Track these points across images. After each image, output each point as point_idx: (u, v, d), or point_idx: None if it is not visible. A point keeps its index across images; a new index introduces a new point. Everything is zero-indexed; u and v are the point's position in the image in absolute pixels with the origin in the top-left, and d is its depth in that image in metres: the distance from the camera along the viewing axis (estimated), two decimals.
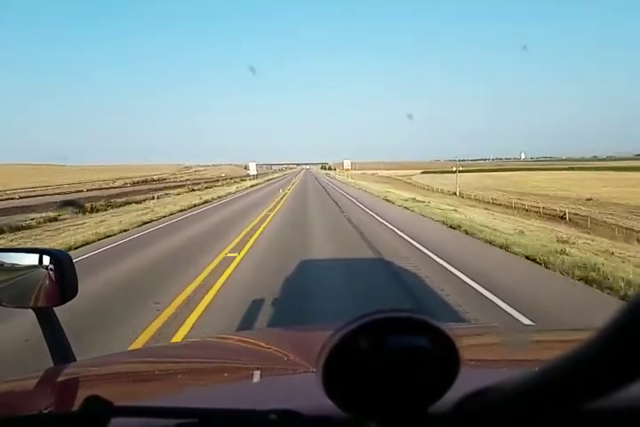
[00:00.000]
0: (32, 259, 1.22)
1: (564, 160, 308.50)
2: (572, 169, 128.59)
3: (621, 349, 0.32)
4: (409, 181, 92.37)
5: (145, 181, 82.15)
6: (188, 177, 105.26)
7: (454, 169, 62.66)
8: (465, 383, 0.45)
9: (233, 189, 39.84)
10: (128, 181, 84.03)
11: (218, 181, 61.19)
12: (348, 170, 72.27)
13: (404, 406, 0.45)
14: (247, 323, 4.67)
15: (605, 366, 0.33)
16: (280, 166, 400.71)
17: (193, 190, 39.94)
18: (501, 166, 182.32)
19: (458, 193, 56.06)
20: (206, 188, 44.72)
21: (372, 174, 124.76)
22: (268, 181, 66.22)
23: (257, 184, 51.75)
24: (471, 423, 0.47)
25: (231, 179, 71.80)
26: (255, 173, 68.31)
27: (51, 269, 1.19)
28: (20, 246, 10.47)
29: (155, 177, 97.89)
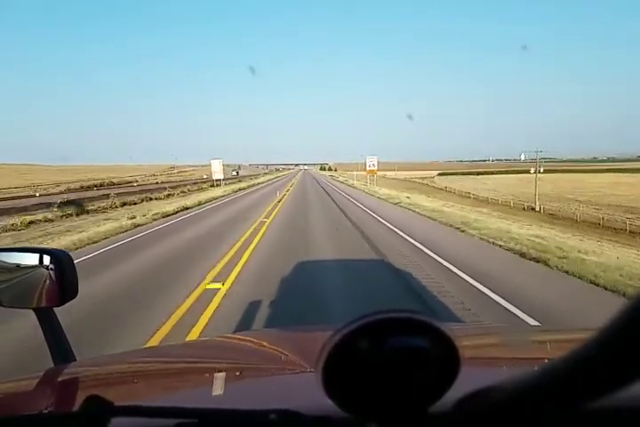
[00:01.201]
0: (32, 259, 1.21)
1: (564, 161, 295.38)
2: (625, 171, 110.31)
3: (622, 349, 0.32)
4: (440, 187, 72.53)
5: (101, 185, 65.28)
6: (166, 179, 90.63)
7: (532, 171, 43.05)
8: (465, 383, 0.45)
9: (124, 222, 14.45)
10: (76, 185, 67.75)
11: (165, 189, 36.87)
12: (373, 171, 43.29)
13: (404, 406, 0.45)
14: None
15: (606, 367, 0.33)
16: (276, 166, 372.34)
17: (67, 216, 18.64)
18: (519, 168, 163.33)
19: (540, 209, 36.43)
20: (122, 205, 23.86)
21: (384, 176, 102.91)
22: (238, 191, 37.25)
23: (199, 206, 22.45)
24: (471, 423, 0.47)
25: (194, 183, 52.53)
26: (222, 177, 42.77)
27: (51, 269, 1.18)
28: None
29: (114, 180, 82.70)
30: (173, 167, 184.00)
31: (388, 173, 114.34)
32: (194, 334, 4.49)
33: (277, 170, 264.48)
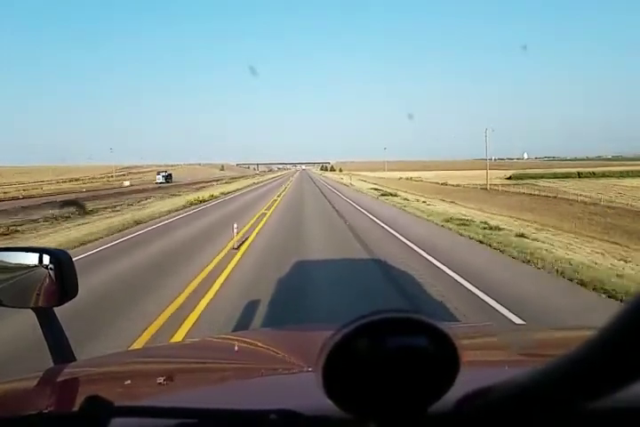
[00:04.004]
0: (32, 258, 1.21)
1: (569, 160, 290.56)
2: None
3: (622, 349, 0.32)
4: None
5: None
6: (72, 186, 69.88)
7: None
8: (465, 383, 0.45)
9: None
10: None
11: None
12: None
13: (404, 406, 0.45)
14: None
15: (605, 367, 0.33)
16: (270, 166, 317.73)
17: None
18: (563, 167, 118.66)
19: None
20: None
21: (417, 178, 78.55)
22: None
23: None
24: (471, 423, 0.47)
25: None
26: None
27: (51, 269, 1.18)
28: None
29: None
30: (126, 168, 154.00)
31: (414, 175, 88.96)
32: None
33: (270, 170, 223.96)
